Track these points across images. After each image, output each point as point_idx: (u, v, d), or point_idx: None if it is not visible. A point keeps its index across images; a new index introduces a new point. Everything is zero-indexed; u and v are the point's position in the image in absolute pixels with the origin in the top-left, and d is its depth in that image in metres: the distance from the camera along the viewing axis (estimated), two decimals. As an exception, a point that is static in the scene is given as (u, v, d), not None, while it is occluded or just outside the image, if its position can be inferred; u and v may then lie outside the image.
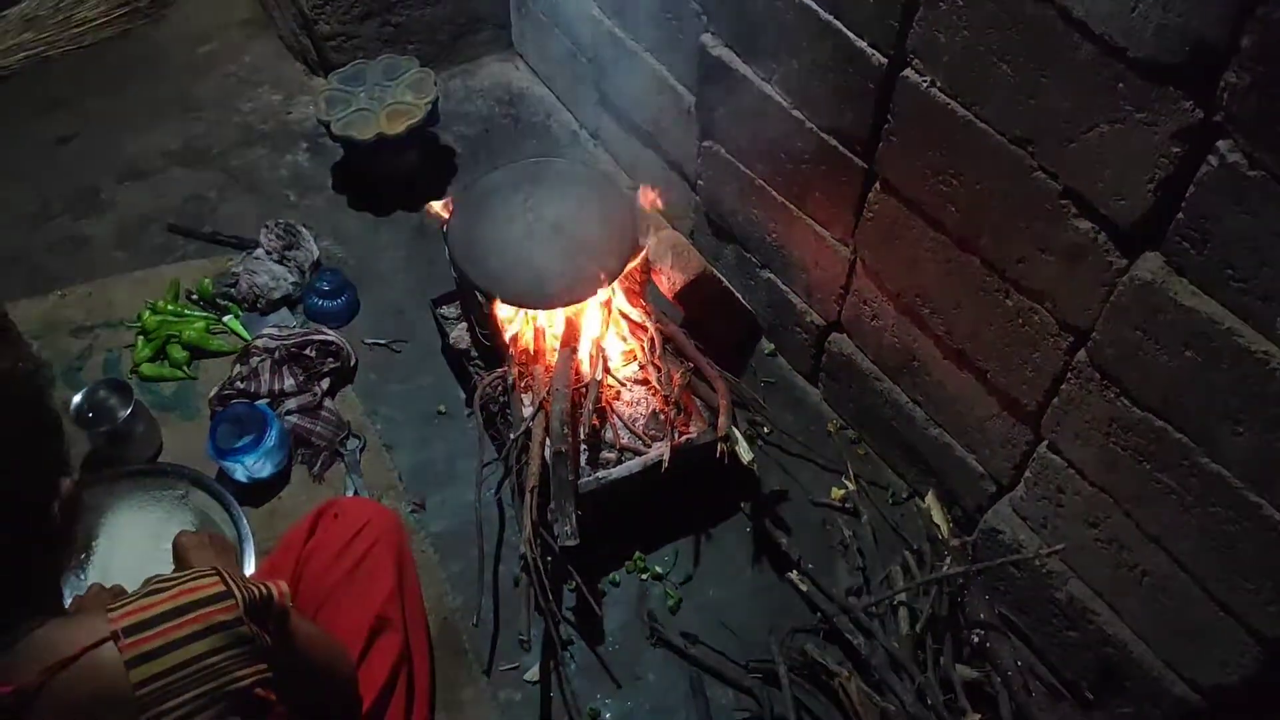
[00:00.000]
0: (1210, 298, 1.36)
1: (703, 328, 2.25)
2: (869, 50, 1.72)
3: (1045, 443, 1.75)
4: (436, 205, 2.10)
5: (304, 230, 2.60)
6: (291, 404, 2.25)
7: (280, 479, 2.18)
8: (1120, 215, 1.43)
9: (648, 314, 2.16)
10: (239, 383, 2.27)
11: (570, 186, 2.12)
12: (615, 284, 2.08)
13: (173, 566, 1.53)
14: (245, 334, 2.44)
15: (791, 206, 2.15)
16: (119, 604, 1.02)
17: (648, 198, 2.10)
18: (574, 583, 1.90)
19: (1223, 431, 1.41)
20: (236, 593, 1.07)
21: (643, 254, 2.09)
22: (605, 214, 2.09)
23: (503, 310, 2.07)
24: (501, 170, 2.14)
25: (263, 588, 1.13)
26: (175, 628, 1.01)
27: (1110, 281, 1.49)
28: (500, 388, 2.09)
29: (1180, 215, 1.36)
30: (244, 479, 2.11)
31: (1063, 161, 1.48)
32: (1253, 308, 1.32)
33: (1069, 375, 1.64)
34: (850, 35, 1.74)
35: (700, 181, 2.43)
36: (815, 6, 1.79)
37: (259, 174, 2.86)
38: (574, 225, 2.09)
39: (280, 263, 2.54)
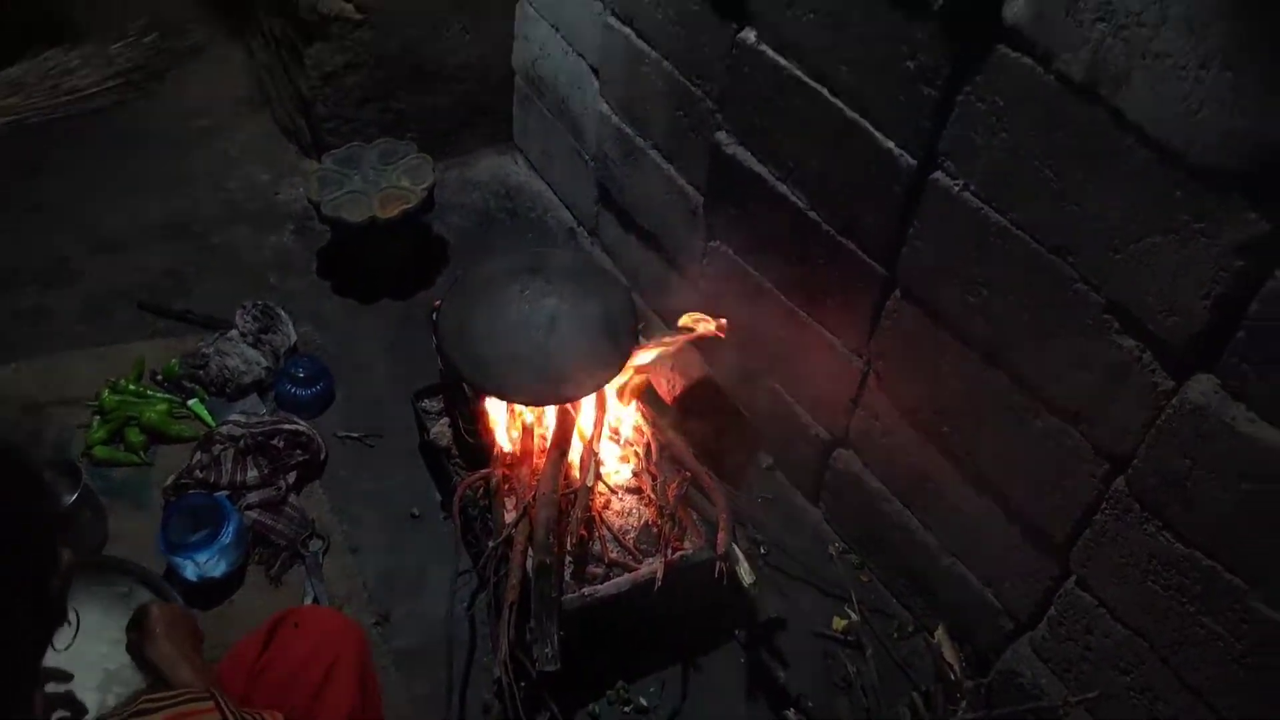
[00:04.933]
0: (1274, 426, 1.25)
1: (701, 435, 2.13)
2: (897, 151, 1.64)
3: (1073, 578, 1.62)
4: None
5: (282, 313, 2.48)
6: (253, 497, 2.09)
7: (234, 579, 2.00)
8: (1170, 333, 1.33)
9: (645, 417, 2.03)
10: (198, 471, 2.11)
11: (570, 279, 2.02)
12: (611, 383, 1.95)
13: (127, 644, 1.38)
14: (210, 420, 2.29)
15: (801, 312, 2.04)
16: None
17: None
18: (549, 713, 1.72)
19: (1282, 576, 1.29)
20: None
21: (642, 355, 1.97)
22: (605, 310, 1.98)
23: (491, 405, 1.94)
24: (499, 257, 2.03)
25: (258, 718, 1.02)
26: None
27: (1156, 404, 1.38)
28: (481, 490, 1.93)
29: (1240, 334, 1.25)
30: (194, 578, 1.93)
31: (1107, 273, 1.38)
32: (1322, 439, 1.20)
33: (1104, 505, 1.52)
34: (877, 135, 1.66)
35: (703, 283, 2.34)
36: (840, 104, 1.71)
37: (240, 253, 2.74)
38: (572, 320, 1.97)
39: (254, 346, 2.41)
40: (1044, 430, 1.58)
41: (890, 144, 1.65)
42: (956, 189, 1.56)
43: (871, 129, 1.67)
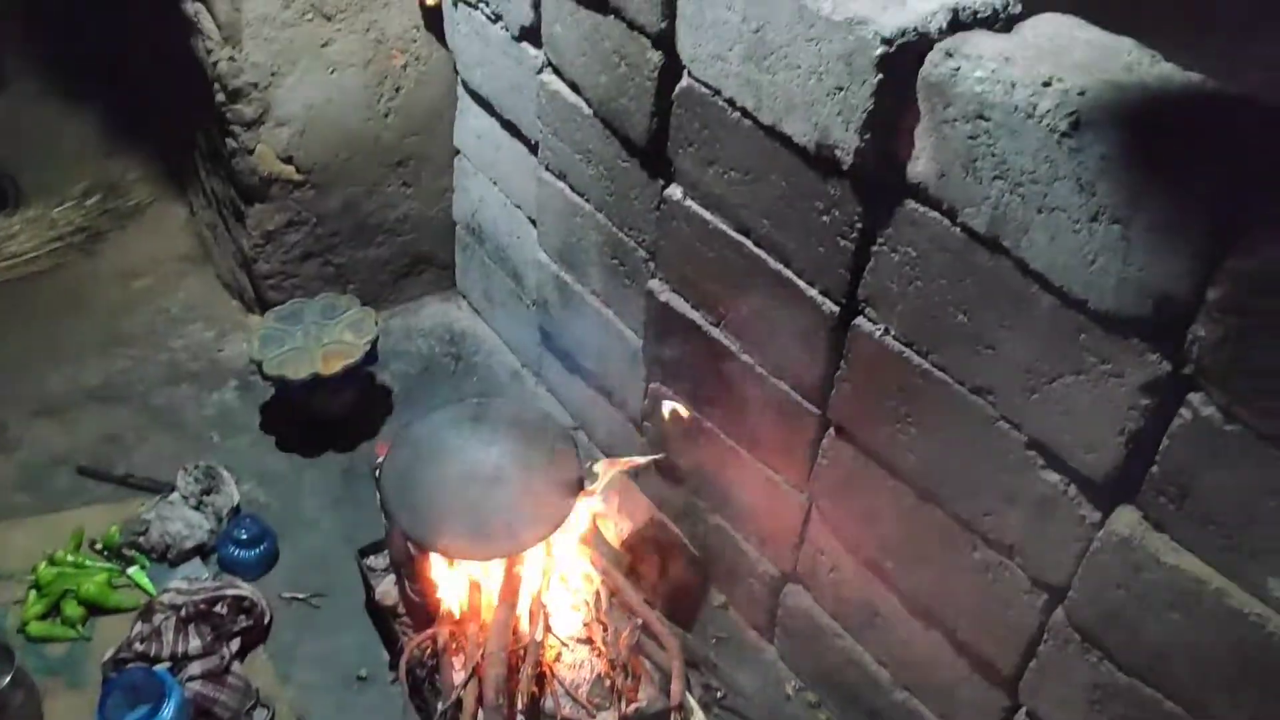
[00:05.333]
0: (1195, 555, 1.29)
1: (651, 578, 2.12)
2: (820, 298, 1.70)
3: (1024, 709, 1.62)
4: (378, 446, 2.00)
5: (225, 473, 2.46)
6: (195, 668, 2.03)
7: (175, 757, 1.93)
8: (1091, 468, 1.38)
9: (593, 565, 2.03)
10: (138, 644, 2.06)
11: (512, 429, 2.04)
12: (558, 533, 1.95)
13: None
14: (151, 588, 2.24)
15: (742, 451, 2.07)
16: None
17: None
18: None
19: (1220, 702, 1.31)
20: None
21: (588, 500, 1.98)
22: (548, 458, 1.99)
23: (436, 561, 1.92)
24: (440, 411, 2.05)
25: None
26: None
27: (1084, 536, 1.42)
28: (429, 649, 1.91)
29: (1155, 469, 1.30)
30: (133, 758, 1.87)
31: (1026, 412, 1.43)
32: (1242, 567, 1.24)
33: (1045, 636, 1.54)
34: (801, 284, 1.73)
35: (647, 424, 2.37)
36: (764, 254, 1.78)
37: (182, 413, 2.73)
38: (515, 470, 1.98)
39: (197, 508, 2.38)
40: (982, 563, 1.60)
41: (813, 292, 1.71)
42: (879, 334, 1.62)
43: (795, 278, 1.74)
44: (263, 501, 2.51)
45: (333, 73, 2.56)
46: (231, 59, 2.42)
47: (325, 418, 2.65)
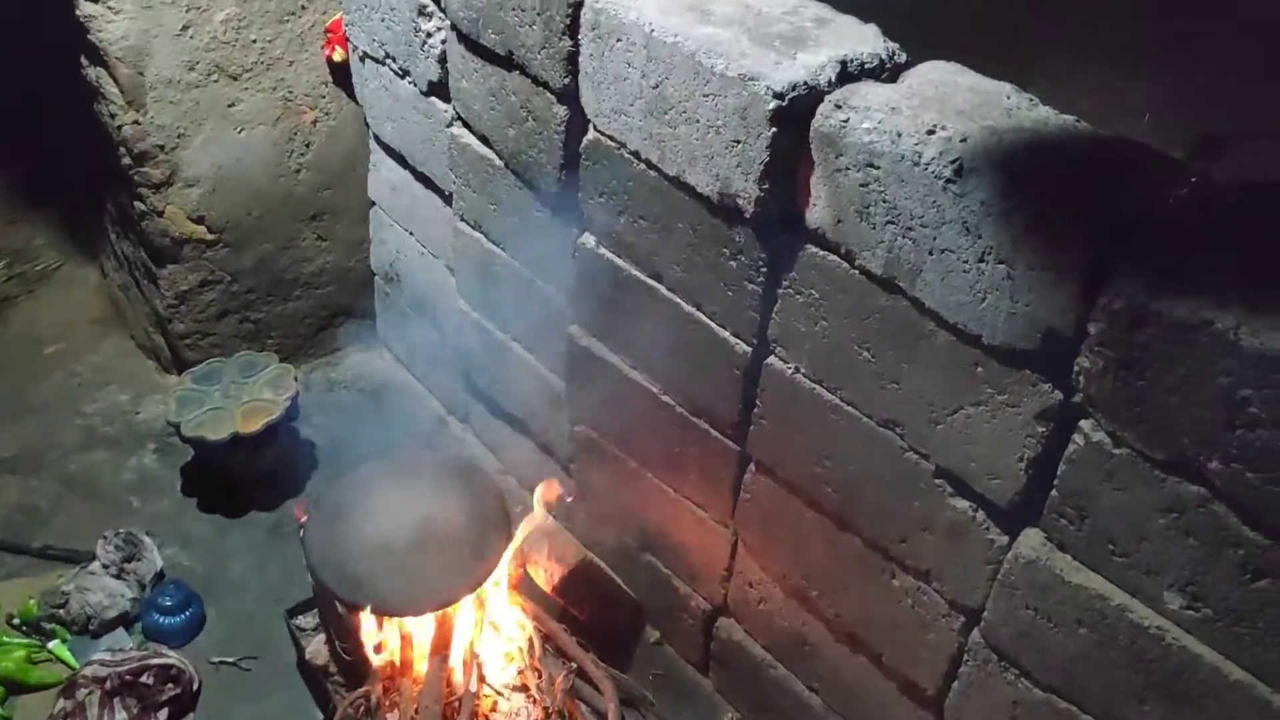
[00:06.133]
0: (1096, 573, 1.35)
1: (585, 619, 2.14)
2: (733, 340, 1.75)
3: (952, 729, 1.67)
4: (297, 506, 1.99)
5: (146, 539, 2.43)
6: (122, 744, 1.99)
7: (104, 838, 1.89)
8: (996, 494, 1.43)
9: (525, 611, 2.04)
10: (61, 722, 2.01)
11: (436, 480, 2.05)
12: (488, 581, 1.96)
13: None
14: (73, 661, 2.19)
15: (668, 489, 2.10)
16: None
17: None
18: None
19: (1130, 711, 1.36)
20: None
21: (517, 546, 2.00)
22: (475, 507, 2.00)
23: (365, 619, 1.92)
24: (363, 467, 2.05)
25: None
26: None
27: (995, 559, 1.48)
28: (363, 708, 1.89)
29: (1055, 493, 1.36)
30: (59, 842, 1.82)
31: (933, 442, 1.49)
32: (1139, 582, 1.30)
33: (966, 657, 1.59)
34: (714, 326, 1.77)
35: (574, 465, 2.39)
36: (677, 299, 1.83)
37: (100, 480, 2.68)
38: (441, 522, 1.99)
39: (118, 577, 2.34)
40: (902, 588, 1.65)
41: (726, 333, 1.76)
42: (790, 372, 1.67)
43: (708, 320, 1.78)
44: (187, 565, 2.48)
45: (241, 132, 2.55)
46: (136, 123, 2.40)
47: (248, 477, 2.63)
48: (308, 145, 2.69)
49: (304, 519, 1.98)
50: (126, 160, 2.49)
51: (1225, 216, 1.22)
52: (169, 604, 2.28)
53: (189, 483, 2.68)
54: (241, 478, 2.62)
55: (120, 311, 3.18)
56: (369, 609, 1.87)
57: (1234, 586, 1.19)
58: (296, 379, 2.65)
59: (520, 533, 2.01)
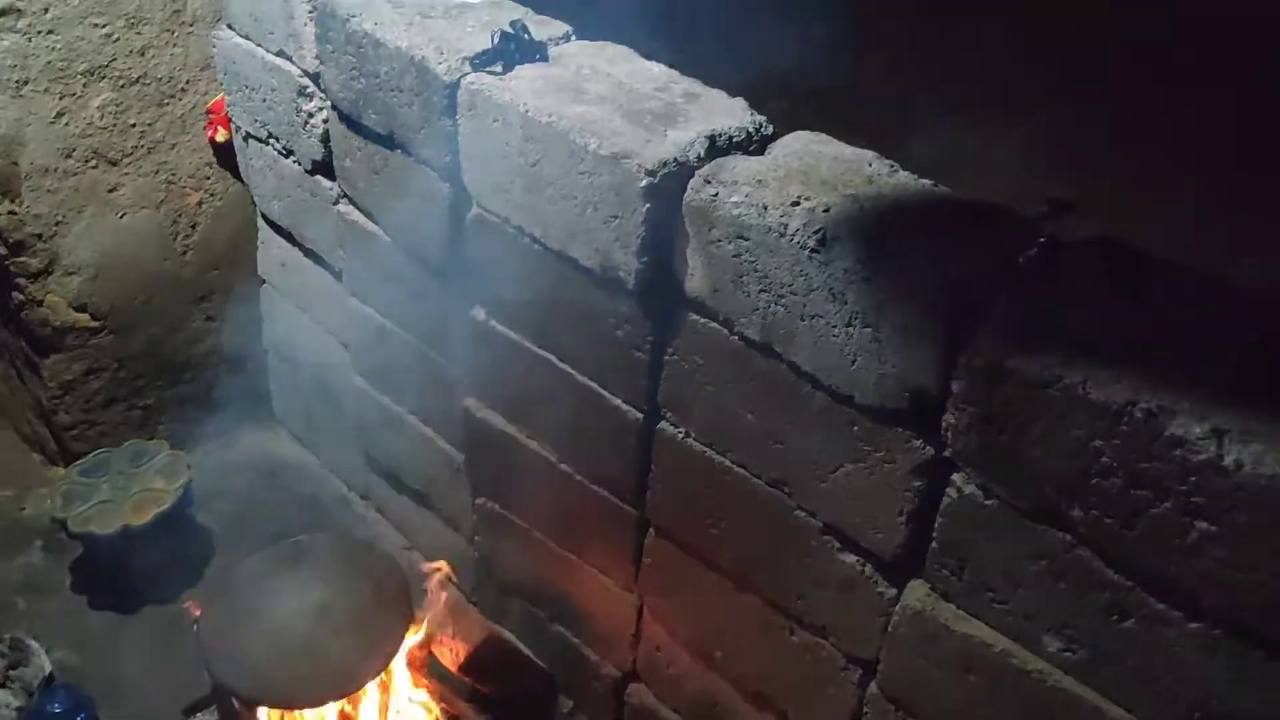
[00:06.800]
0: (979, 620, 1.40)
1: (494, 695, 2.11)
2: (624, 407, 1.77)
3: (858, 781, 1.69)
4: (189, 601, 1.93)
5: (33, 643, 2.31)
6: None
7: None
8: (880, 547, 1.47)
9: (431, 693, 2.00)
10: (-60, 847, 1.90)
11: (333, 564, 2.01)
12: (392, 665, 1.92)
13: None
14: (-47, 780, 2.07)
15: (572, 557, 2.10)
16: None
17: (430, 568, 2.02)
18: None
19: (1025, 754, 1.40)
20: None
21: (420, 627, 1.97)
22: (374, 590, 1.97)
23: (265, 715, 1.87)
24: (256, 557, 2.00)
25: None
26: None
27: (885, 611, 1.51)
28: (266, 806, 1.84)
29: (934, 544, 1.41)
30: None
31: (818, 500, 1.53)
32: (1019, 628, 1.35)
33: (865, 709, 1.62)
34: (605, 394, 1.79)
35: (478, 538, 2.37)
36: (569, 369, 1.84)
37: (-18, 582, 2.56)
38: (340, 607, 1.95)
39: (2, 685, 2.23)
40: (802, 644, 1.68)
41: (618, 401, 1.78)
42: (680, 436, 1.70)
43: (600, 389, 1.80)
44: (78, 668, 2.36)
45: (123, 217, 2.51)
46: (11, 213, 2.34)
47: (143, 570, 2.53)
48: (193, 227, 2.66)
49: (198, 613, 1.92)
50: (2, 250, 2.42)
51: (1071, 273, 1.29)
52: (58, 711, 2.17)
53: (79, 580, 2.58)
54: (134, 572, 2.53)
55: (1, 403, 3.06)
56: (268, 705, 1.82)
57: (1104, 627, 1.25)
58: (189, 465, 2.58)
59: (421, 616, 1.99)
